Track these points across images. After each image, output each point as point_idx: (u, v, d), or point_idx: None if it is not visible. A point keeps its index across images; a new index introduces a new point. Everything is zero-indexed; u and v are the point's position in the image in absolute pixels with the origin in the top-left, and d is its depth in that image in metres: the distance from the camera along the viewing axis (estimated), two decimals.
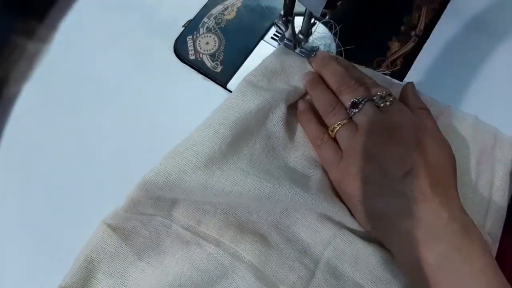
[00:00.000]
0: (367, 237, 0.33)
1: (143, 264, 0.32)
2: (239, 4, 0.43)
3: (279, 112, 0.36)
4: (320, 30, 0.42)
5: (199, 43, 0.41)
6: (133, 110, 0.39)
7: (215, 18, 0.43)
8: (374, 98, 0.34)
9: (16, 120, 0.39)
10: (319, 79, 0.37)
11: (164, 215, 0.33)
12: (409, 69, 0.40)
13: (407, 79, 0.40)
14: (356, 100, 0.34)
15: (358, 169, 0.31)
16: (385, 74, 0.40)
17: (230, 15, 0.43)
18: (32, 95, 0.40)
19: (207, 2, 0.43)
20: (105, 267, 0.32)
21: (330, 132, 0.35)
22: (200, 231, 0.33)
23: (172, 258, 0.32)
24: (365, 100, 0.34)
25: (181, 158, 0.31)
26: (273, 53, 0.39)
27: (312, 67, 0.38)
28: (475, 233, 0.29)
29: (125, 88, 0.40)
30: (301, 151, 0.36)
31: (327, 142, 0.34)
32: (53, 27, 0.42)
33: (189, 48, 0.41)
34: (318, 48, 0.40)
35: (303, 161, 0.35)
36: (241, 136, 0.34)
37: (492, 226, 0.34)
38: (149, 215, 0.33)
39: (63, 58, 0.41)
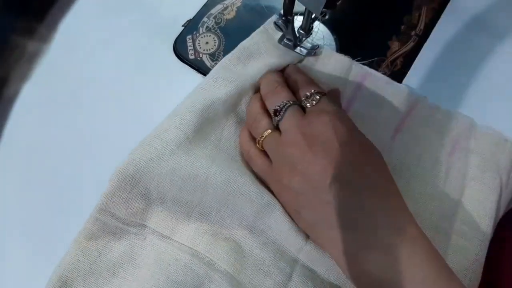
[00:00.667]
0: None
1: (119, 280, 0.32)
2: (238, 4, 0.43)
3: (249, 99, 0.35)
4: (320, 30, 0.42)
5: (199, 43, 0.41)
6: (133, 109, 0.39)
7: (214, 17, 0.43)
8: (303, 99, 0.33)
9: (16, 119, 0.39)
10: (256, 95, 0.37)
11: (138, 226, 0.33)
12: (409, 68, 0.40)
13: (407, 78, 0.40)
14: (278, 107, 0.32)
15: (286, 181, 0.30)
16: (385, 74, 0.40)
17: (230, 14, 0.43)
18: (32, 95, 0.40)
19: (206, 2, 0.43)
20: (79, 285, 0.31)
21: (257, 144, 0.33)
22: (174, 242, 0.33)
23: (147, 271, 0.32)
24: (287, 106, 0.32)
25: (149, 146, 0.32)
26: (251, 37, 0.39)
27: None
28: (411, 232, 0.28)
29: (124, 87, 0.40)
30: None
31: (256, 155, 0.33)
32: (53, 27, 0.42)
33: (189, 48, 0.41)
34: (318, 46, 0.40)
35: None
36: (209, 122, 0.34)
37: (467, 215, 0.33)
38: (121, 222, 0.33)
39: (63, 58, 0.41)
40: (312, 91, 0.33)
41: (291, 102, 0.32)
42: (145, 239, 0.33)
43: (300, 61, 0.39)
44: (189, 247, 0.32)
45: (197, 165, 0.32)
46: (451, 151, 0.36)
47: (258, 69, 0.37)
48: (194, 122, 0.33)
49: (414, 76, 0.40)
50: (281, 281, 0.31)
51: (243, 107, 0.35)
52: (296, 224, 0.32)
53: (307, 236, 0.32)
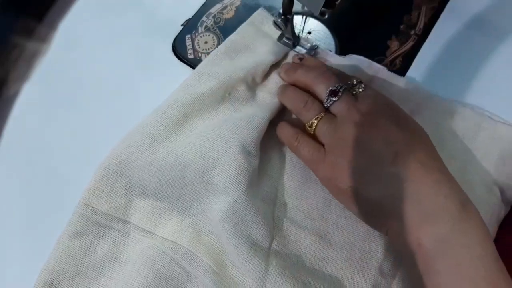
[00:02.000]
0: (308, 225, 0.34)
1: (105, 279, 0.32)
2: (237, 3, 0.43)
3: (235, 93, 0.35)
4: (319, 29, 0.42)
5: (198, 42, 0.41)
6: (133, 109, 0.39)
7: (213, 17, 0.43)
8: (350, 86, 0.33)
9: (16, 119, 0.39)
10: (287, 84, 0.37)
11: (120, 222, 0.33)
12: (409, 68, 0.40)
13: (407, 78, 0.40)
14: (335, 88, 0.32)
15: (348, 161, 0.30)
16: None
17: (229, 14, 0.43)
18: (32, 95, 0.40)
19: (205, 1, 0.43)
20: (66, 287, 0.31)
21: (308, 128, 0.33)
22: (157, 237, 0.33)
23: (133, 268, 0.32)
24: (343, 87, 0.32)
25: (129, 140, 0.33)
26: (237, 31, 0.39)
27: (282, 77, 0.38)
28: (471, 210, 0.28)
29: (124, 87, 0.40)
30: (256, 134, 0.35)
31: (304, 141, 0.33)
32: (53, 27, 0.42)
33: (188, 47, 0.41)
34: (318, 46, 0.40)
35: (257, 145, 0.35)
36: (195, 115, 0.34)
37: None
38: (104, 217, 0.33)
39: (63, 58, 0.41)
40: (355, 80, 0.34)
41: (345, 85, 0.33)
42: (128, 236, 0.33)
43: (286, 55, 0.39)
44: (172, 241, 0.32)
45: (174, 154, 0.32)
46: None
47: (245, 63, 0.37)
48: (176, 117, 0.34)
49: (414, 75, 0.40)
50: (259, 277, 0.31)
51: (230, 102, 0.35)
52: (270, 213, 0.33)
53: (280, 227, 0.33)
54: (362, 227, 0.33)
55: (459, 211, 0.27)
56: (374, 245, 0.33)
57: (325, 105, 0.33)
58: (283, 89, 0.37)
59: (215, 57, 0.37)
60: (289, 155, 0.36)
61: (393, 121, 0.30)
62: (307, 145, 0.33)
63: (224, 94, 0.35)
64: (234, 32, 0.39)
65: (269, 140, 0.35)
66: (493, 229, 0.33)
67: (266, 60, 0.37)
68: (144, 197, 0.33)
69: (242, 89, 0.36)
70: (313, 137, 0.33)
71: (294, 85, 0.36)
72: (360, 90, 0.33)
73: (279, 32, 0.40)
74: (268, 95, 0.37)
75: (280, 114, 0.37)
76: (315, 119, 0.32)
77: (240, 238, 0.31)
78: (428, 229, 0.27)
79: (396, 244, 0.30)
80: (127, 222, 0.33)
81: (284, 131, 0.35)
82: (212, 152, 0.32)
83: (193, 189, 0.32)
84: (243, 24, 0.40)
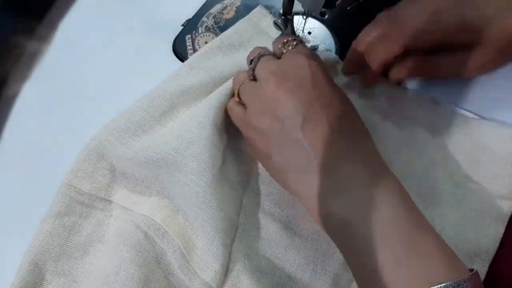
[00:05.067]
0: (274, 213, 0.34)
1: (90, 257, 0.32)
2: (238, 4, 0.43)
3: (222, 89, 0.35)
4: (319, 29, 0.42)
5: (198, 42, 0.41)
6: None
7: (214, 17, 0.43)
8: (279, 46, 0.33)
9: (16, 119, 0.39)
10: None
11: (103, 202, 0.34)
12: None
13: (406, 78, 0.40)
14: (252, 58, 0.33)
15: (257, 122, 0.30)
16: None
17: (229, 14, 0.43)
18: (32, 94, 0.40)
19: (206, 2, 0.43)
20: (51, 267, 0.31)
21: (235, 96, 0.33)
22: (134, 213, 0.33)
23: (112, 244, 0.32)
24: (260, 54, 0.32)
25: (113, 124, 0.33)
26: (234, 26, 0.39)
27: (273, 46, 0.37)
28: (384, 175, 0.27)
29: (124, 87, 0.40)
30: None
31: (233, 104, 0.33)
32: (53, 27, 0.42)
33: (188, 47, 0.41)
34: (318, 46, 0.40)
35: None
36: (182, 107, 0.35)
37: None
38: (87, 197, 0.33)
39: (63, 58, 0.41)
40: (290, 38, 0.32)
41: (264, 52, 0.33)
42: (111, 215, 0.33)
43: None
44: (146, 216, 0.32)
45: (152, 141, 0.32)
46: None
47: (238, 59, 0.37)
48: (162, 108, 0.34)
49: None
50: (225, 263, 0.31)
51: (216, 97, 0.35)
52: (237, 199, 0.33)
53: (248, 213, 0.33)
54: None
55: (368, 177, 0.26)
56: None
57: (248, 74, 0.33)
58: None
59: (209, 51, 0.38)
60: None
61: (306, 82, 0.29)
62: (234, 106, 0.33)
63: (213, 89, 0.35)
64: (231, 28, 0.39)
65: None
66: (486, 223, 0.33)
67: None
68: (125, 178, 0.34)
69: (231, 84, 0.36)
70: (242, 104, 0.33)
71: None
72: (289, 48, 0.32)
73: (276, 30, 0.40)
74: None
75: None
76: (239, 85, 0.33)
77: (211, 221, 0.31)
78: (338, 199, 0.26)
79: (308, 210, 0.29)
80: (110, 202, 0.34)
81: (228, 104, 0.34)
82: (186, 133, 0.32)
83: (167, 171, 0.32)
84: (241, 20, 0.40)
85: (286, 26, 0.37)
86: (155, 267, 0.31)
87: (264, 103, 0.29)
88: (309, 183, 0.27)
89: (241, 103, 0.33)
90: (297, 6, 0.35)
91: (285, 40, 0.32)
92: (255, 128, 0.30)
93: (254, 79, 0.32)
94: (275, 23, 0.38)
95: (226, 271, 0.31)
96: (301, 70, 0.29)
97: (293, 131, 0.28)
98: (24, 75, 0.40)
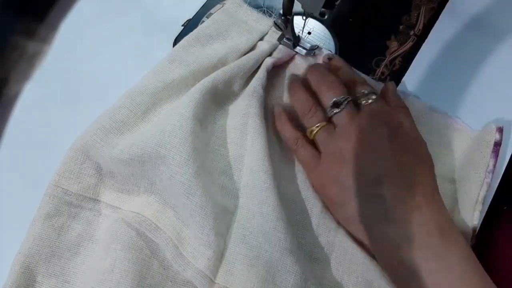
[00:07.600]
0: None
1: (81, 257, 0.32)
2: None
3: (204, 82, 0.35)
4: (319, 30, 0.42)
5: None
6: None
7: None
8: (358, 95, 0.33)
9: (16, 120, 0.39)
10: (299, 80, 0.37)
11: (92, 201, 0.34)
12: (408, 68, 0.41)
13: (406, 78, 0.40)
14: (338, 100, 0.33)
15: (335, 174, 0.31)
16: (383, 73, 0.40)
17: None
18: (32, 95, 0.40)
19: (206, 2, 0.43)
20: (43, 269, 0.31)
21: (308, 134, 0.34)
22: (124, 211, 0.33)
23: (103, 243, 0.32)
24: (348, 99, 0.33)
25: (97, 124, 0.33)
26: (211, 17, 0.40)
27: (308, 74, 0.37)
28: (452, 235, 0.28)
29: (125, 87, 0.40)
30: (223, 121, 0.36)
31: (303, 146, 0.34)
32: (53, 27, 0.42)
33: None
34: (318, 46, 0.40)
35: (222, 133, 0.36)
36: (164, 103, 0.35)
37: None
38: (75, 197, 0.33)
39: (63, 58, 0.41)
40: (368, 90, 0.33)
41: (350, 98, 0.33)
42: (100, 214, 0.33)
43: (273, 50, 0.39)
44: (137, 213, 0.32)
45: (133, 136, 0.33)
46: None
47: (217, 50, 0.37)
48: (145, 104, 0.34)
49: (413, 75, 0.40)
50: (219, 251, 0.31)
51: (198, 91, 0.35)
52: (234, 184, 0.33)
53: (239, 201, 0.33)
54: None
55: (439, 236, 0.28)
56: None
57: (328, 115, 0.33)
58: (292, 88, 0.37)
59: (187, 44, 0.38)
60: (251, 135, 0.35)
61: (387, 143, 0.30)
62: (305, 150, 0.34)
63: (194, 82, 0.36)
64: (208, 19, 0.39)
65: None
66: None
67: (238, 46, 0.38)
68: (112, 177, 0.34)
69: (212, 76, 0.36)
70: (313, 143, 0.34)
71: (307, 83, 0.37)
72: (370, 101, 0.33)
73: (254, 17, 0.40)
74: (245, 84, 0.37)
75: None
76: (316, 127, 0.33)
77: (200, 210, 0.31)
78: (406, 252, 0.28)
79: (379, 262, 0.30)
80: (98, 201, 0.34)
81: (286, 131, 0.35)
82: (168, 126, 0.32)
83: (153, 166, 0.32)
84: (217, 12, 0.40)
85: (286, 27, 0.37)
86: (150, 263, 0.31)
87: (343, 155, 0.31)
88: (381, 235, 0.29)
89: (313, 144, 0.34)
90: (297, 6, 0.35)
91: (365, 92, 0.33)
92: (330, 175, 0.31)
93: (331, 121, 0.33)
94: (275, 23, 0.38)
95: (220, 258, 0.31)
96: (381, 130, 0.31)
97: (368, 185, 0.30)
98: (24, 76, 0.40)
